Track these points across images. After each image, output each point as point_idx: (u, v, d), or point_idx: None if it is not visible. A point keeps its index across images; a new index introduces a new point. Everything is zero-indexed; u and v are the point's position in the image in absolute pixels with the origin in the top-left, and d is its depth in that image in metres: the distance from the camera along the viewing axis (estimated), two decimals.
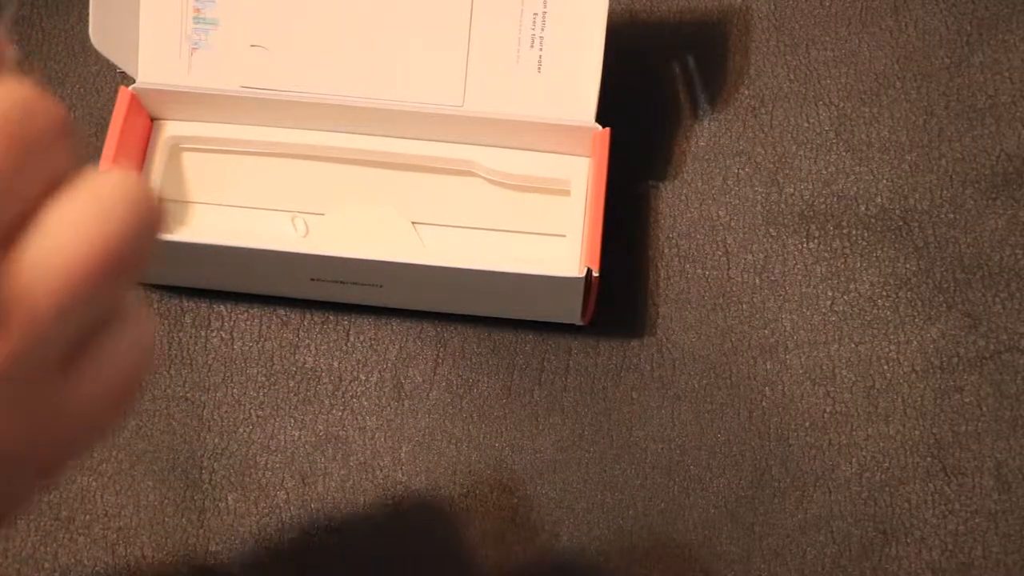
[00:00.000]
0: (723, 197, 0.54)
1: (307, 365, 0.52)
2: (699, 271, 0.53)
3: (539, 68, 0.51)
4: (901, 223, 0.54)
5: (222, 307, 0.53)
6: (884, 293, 0.53)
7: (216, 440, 0.51)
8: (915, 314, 0.52)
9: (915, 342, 0.52)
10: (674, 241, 0.54)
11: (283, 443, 0.51)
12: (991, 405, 0.50)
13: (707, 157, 0.55)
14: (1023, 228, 0.53)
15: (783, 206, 0.54)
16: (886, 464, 0.50)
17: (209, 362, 0.52)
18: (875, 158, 0.55)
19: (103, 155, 0.50)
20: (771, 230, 0.54)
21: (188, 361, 0.52)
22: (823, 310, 0.52)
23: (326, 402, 0.51)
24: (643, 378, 0.51)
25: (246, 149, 0.53)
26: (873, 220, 0.54)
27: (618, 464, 0.50)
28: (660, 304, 0.53)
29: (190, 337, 0.52)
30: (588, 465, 0.50)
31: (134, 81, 0.52)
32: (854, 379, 0.51)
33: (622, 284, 0.53)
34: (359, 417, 0.51)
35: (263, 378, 0.52)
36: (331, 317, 0.53)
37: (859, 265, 0.53)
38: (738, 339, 0.52)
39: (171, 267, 0.51)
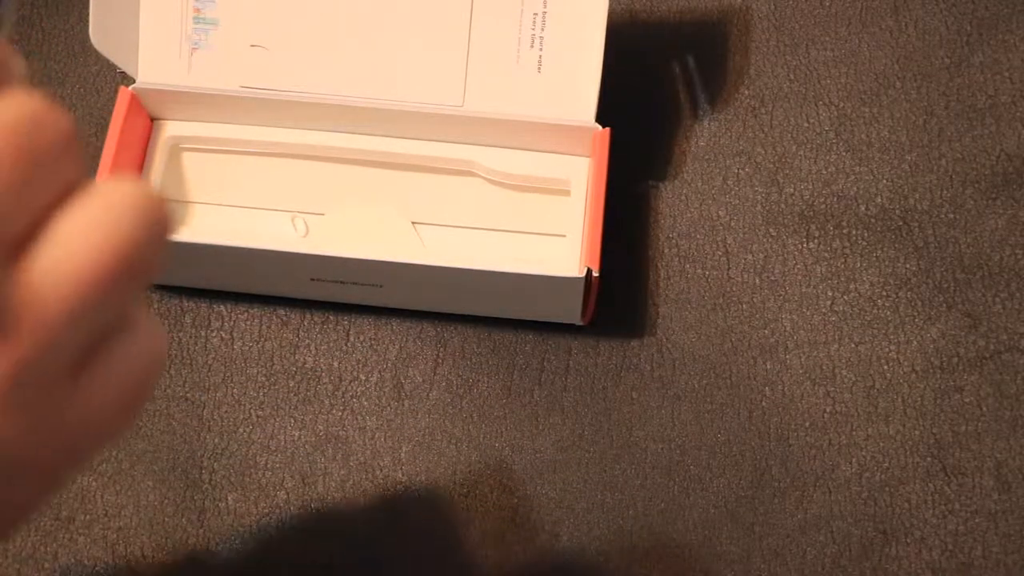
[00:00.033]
0: (723, 197, 0.54)
1: (307, 365, 0.52)
2: (699, 271, 0.53)
3: (539, 68, 0.51)
4: (901, 223, 0.54)
5: (222, 307, 0.53)
6: (884, 293, 0.53)
7: (216, 440, 0.51)
8: (915, 314, 0.52)
9: (915, 342, 0.52)
10: (674, 241, 0.54)
11: (283, 443, 0.51)
12: (991, 405, 0.50)
13: (707, 157, 0.55)
14: (1023, 228, 0.53)
15: (783, 206, 0.54)
16: (886, 464, 0.50)
17: (209, 362, 0.52)
18: (875, 158, 0.55)
19: (103, 155, 0.50)
20: (771, 230, 0.54)
21: (188, 361, 0.52)
22: (823, 310, 0.52)
23: (326, 402, 0.51)
24: (643, 378, 0.51)
25: (246, 149, 0.53)
26: (873, 220, 0.54)
27: (618, 464, 0.50)
28: (660, 304, 0.53)
29: (190, 337, 0.52)
30: (588, 465, 0.50)
31: (134, 81, 0.52)
32: (854, 379, 0.51)
33: (622, 284, 0.53)
34: (359, 417, 0.51)
35: (263, 378, 0.52)
36: (331, 317, 0.53)
37: (859, 265, 0.53)
38: (738, 339, 0.52)
39: (171, 267, 0.51)
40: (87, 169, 0.28)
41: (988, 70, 0.56)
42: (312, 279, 0.51)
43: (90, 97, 0.57)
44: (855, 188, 0.54)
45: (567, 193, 0.52)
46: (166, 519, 0.49)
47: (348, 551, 0.49)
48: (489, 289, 0.50)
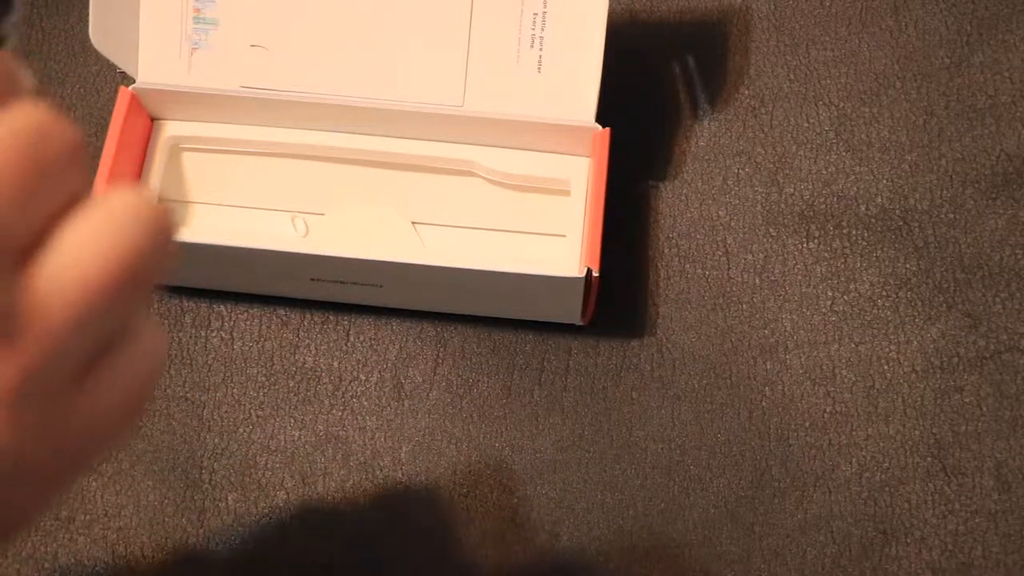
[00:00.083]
0: (723, 197, 0.54)
1: (307, 365, 0.52)
2: (699, 271, 0.53)
3: (539, 68, 0.51)
4: (901, 223, 0.54)
5: (222, 307, 0.53)
6: (884, 293, 0.53)
7: (216, 440, 0.51)
8: (915, 314, 0.52)
9: (915, 342, 0.52)
10: (674, 241, 0.54)
11: (283, 443, 0.51)
12: (991, 405, 0.50)
13: (707, 157, 0.55)
14: (1023, 228, 0.53)
15: (783, 206, 0.54)
16: (886, 464, 0.50)
17: (209, 362, 0.52)
18: (875, 158, 0.55)
19: (103, 155, 0.50)
20: (771, 230, 0.54)
21: (188, 361, 0.52)
22: (823, 310, 0.52)
23: (326, 402, 0.51)
24: (643, 378, 0.51)
25: (246, 149, 0.53)
26: (873, 220, 0.54)
27: (618, 464, 0.50)
28: (660, 304, 0.53)
29: (190, 337, 0.52)
30: (588, 465, 0.50)
31: (134, 81, 0.52)
32: (854, 379, 0.51)
33: (622, 284, 0.53)
34: (359, 417, 0.51)
35: (263, 378, 0.52)
36: (331, 317, 0.53)
37: (859, 265, 0.53)
38: (738, 339, 0.52)
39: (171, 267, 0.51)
40: (91, 178, 0.29)
41: (988, 70, 0.56)
42: (312, 279, 0.51)
43: (90, 97, 0.57)
44: (855, 188, 0.54)
45: (567, 193, 0.52)
46: (166, 519, 0.49)
47: (348, 551, 0.49)
48: (489, 289, 0.50)
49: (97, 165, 0.50)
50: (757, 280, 0.53)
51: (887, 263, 0.53)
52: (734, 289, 0.53)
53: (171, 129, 0.53)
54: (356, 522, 0.49)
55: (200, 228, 0.53)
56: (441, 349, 0.52)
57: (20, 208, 0.27)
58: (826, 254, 0.53)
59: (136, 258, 0.28)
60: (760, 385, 0.51)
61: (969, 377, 0.51)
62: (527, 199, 0.53)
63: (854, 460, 0.50)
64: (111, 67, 0.54)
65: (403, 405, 0.51)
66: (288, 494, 0.50)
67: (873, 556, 0.48)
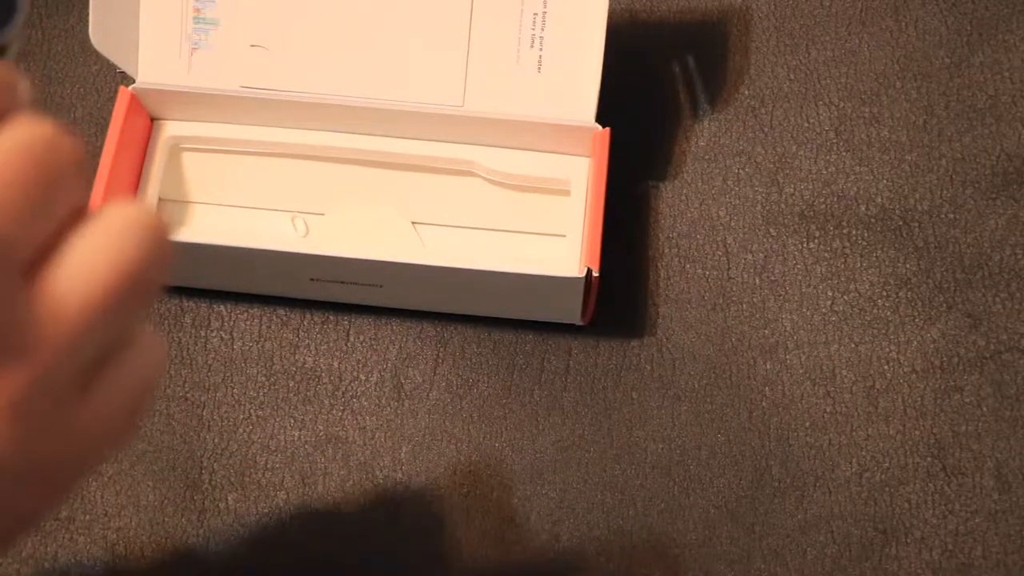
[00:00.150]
0: (723, 197, 0.54)
1: (307, 365, 0.52)
2: (699, 271, 0.53)
3: (539, 68, 0.51)
4: (901, 223, 0.54)
5: (222, 307, 0.53)
6: (884, 293, 0.53)
7: (216, 440, 0.51)
8: (915, 314, 0.52)
9: (915, 342, 0.52)
10: (674, 241, 0.54)
11: (283, 443, 0.51)
12: (991, 405, 0.50)
13: (707, 157, 0.55)
14: (1023, 228, 0.53)
15: (783, 206, 0.54)
16: (886, 464, 0.50)
17: (209, 362, 0.52)
18: (875, 158, 0.55)
19: (103, 155, 0.50)
20: (771, 230, 0.54)
21: (188, 361, 0.52)
22: (823, 310, 0.52)
23: (326, 402, 0.51)
24: (643, 378, 0.51)
25: (246, 149, 0.53)
26: (873, 220, 0.54)
27: (618, 464, 0.50)
28: (660, 304, 0.53)
29: (190, 337, 0.52)
30: (588, 465, 0.50)
31: (134, 81, 0.52)
32: (854, 379, 0.51)
33: (622, 284, 0.53)
34: (359, 417, 0.51)
35: (263, 378, 0.52)
36: (331, 317, 0.53)
37: (859, 265, 0.53)
38: (738, 339, 0.52)
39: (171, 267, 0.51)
40: (91, 190, 0.29)
41: (988, 70, 0.56)
42: (312, 279, 0.51)
43: (90, 97, 0.57)
44: (855, 188, 0.54)
45: (567, 193, 0.52)
46: (166, 519, 0.49)
47: (348, 551, 0.49)
48: (489, 289, 0.50)
49: (97, 165, 0.50)
50: (757, 280, 0.53)
51: (887, 263, 0.53)
52: (734, 289, 0.53)
53: (171, 129, 0.53)
54: (356, 522, 0.49)
55: (200, 228, 0.53)
56: (441, 349, 0.52)
57: (25, 223, 0.27)
58: (826, 254, 0.53)
59: (137, 270, 0.29)
60: (760, 385, 0.51)
61: (969, 377, 0.51)
62: (527, 199, 0.53)
63: (854, 460, 0.50)
64: (111, 67, 0.54)
65: (403, 405, 0.51)
66: (288, 494, 0.50)
67: (873, 556, 0.48)
